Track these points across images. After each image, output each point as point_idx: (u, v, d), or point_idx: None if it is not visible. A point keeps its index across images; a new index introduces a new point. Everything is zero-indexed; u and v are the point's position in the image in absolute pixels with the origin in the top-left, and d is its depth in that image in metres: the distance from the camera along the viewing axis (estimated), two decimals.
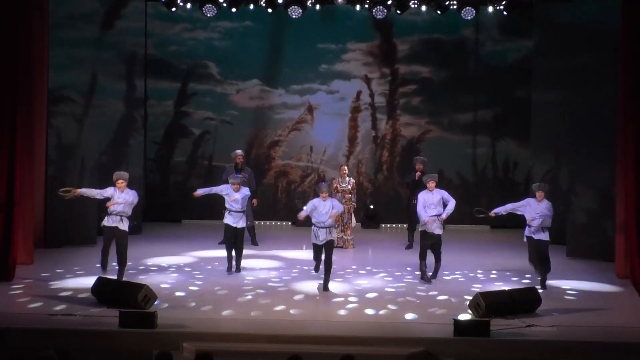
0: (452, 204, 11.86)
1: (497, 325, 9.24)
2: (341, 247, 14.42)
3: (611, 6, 12.64)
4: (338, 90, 17.62)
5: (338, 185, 14.64)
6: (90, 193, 11.34)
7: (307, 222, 11.84)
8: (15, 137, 11.48)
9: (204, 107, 17.63)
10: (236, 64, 17.49)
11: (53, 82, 13.75)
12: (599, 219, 13.68)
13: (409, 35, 17.42)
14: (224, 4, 15.25)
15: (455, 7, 15.15)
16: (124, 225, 11.24)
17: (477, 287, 11.21)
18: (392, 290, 11.26)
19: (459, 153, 17.57)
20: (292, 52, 17.44)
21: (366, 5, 15.41)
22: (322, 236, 11.27)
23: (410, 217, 14.36)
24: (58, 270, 12.03)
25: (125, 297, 9.72)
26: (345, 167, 14.98)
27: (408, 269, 12.57)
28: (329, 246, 11.35)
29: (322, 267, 11.48)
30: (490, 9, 15.33)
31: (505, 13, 15.43)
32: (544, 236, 11.45)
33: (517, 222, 12.68)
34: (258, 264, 12.91)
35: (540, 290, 10.65)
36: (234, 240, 12.19)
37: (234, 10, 15.42)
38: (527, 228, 11.55)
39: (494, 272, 12.54)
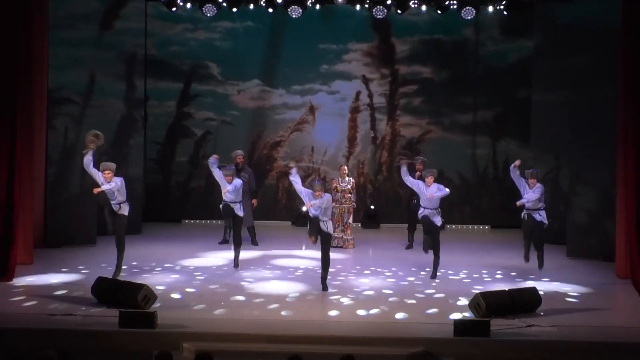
0: (446, 191, 12.03)
1: (497, 325, 9.22)
2: (341, 247, 14.43)
3: (611, 6, 12.63)
4: (339, 90, 17.64)
5: (338, 185, 14.65)
6: (90, 164, 11.33)
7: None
8: (15, 138, 11.48)
9: (205, 107, 17.65)
10: (237, 65, 17.51)
11: (53, 82, 13.75)
12: (599, 219, 13.67)
13: (410, 36, 17.43)
14: (224, 4, 15.26)
15: (455, 7, 15.15)
16: (122, 210, 11.39)
17: (477, 287, 11.20)
18: (392, 290, 11.24)
19: (459, 153, 17.57)
20: (293, 53, 17.45)
21: (366, 5, 15.42)
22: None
23: (410, 217, 14.37)
24: (58, 271, 12.02)
25: (125, 297, 9.72)
26: (345, 167, 14.99)
27: (413, 269, 12.55)
28: (326, 240, 11.21)
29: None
30: (490, 8, 15.34)
31: (505, 13, 15.44)
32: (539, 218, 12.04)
33: (517, 222, 12.69)
34: (258, 264, 12.91)
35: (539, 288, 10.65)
36: (232, 233, 12.30)
37: (234, 10, 15.43)
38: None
39: (494, 272, 12.52)
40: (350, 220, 14.67)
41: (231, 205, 12.36)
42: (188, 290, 11.00)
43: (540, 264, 12.24)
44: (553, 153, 15.50)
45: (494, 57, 17.45)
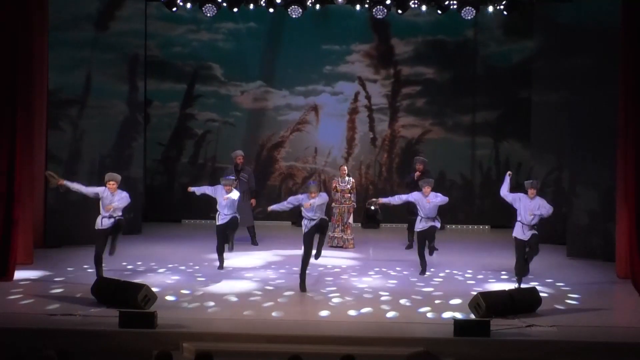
0: (445, 198, 12.09)
1: (497, 325, 9.22)
2: (341, 246, 14.44)
3: (612, 6, 12.63)
4: (342, 91, 17.60)
5: (337, 185, 14.65)
6: (78, 188, 11.25)
7: None
8: (15, 138, 11.48)
9: (208, 108, 17.62)
10: (240, 66, 17.48)
11: (54, 83, 13.74)
12: (599, 219, 13.66)
13: (413, 37, 17.39)
14: (224, 4, 15.25)
15: (455, 6, 15.15)
16: (119, 219, 11.27)
17: (477, 287, 11.20)
18: (392, 290, 11.24)
19: (463, 154, 17.55)
20: (296, 54, 17.39)
21: (366, 5, 15.41)
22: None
23: (410, 217, 14.36)
24: (58, 270, 12.03)
25: (125, 297, 9.72)
26: (345, 167, 14.99)
27: (411, 269, 12.54)
28: (323, 226, 11.18)
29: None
30: (491, 8, 15.33)
31: (505, 13, 15.43)
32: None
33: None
34: (258, 264, 12.91)
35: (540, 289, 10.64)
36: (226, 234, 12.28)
37: (235, 10, 15.42)
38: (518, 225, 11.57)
39: (494, 272, 12.51)
40: (351, 220, 14.66)
41: (223, 226, 12.20)
42: (187, 291, 11.00)
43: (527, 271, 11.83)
44: (553, 153, 15.49)
45: (496, 58, 17.42)
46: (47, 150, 13.72)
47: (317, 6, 15.64)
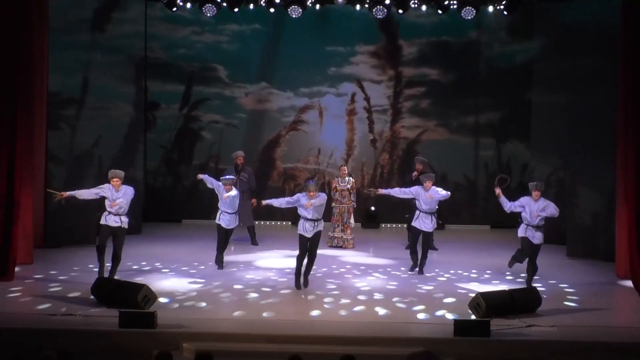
0: (447, 193, 12.08)
1: (497, 325, 9.22)
2: (341, 246, 14.44)
3: (612, 6, 12.63)
4: (347, 92, 17.58)
5: (337, 185, 14.65)
6: (83, 194, 11.23)
7: None
8: (15, 138, 11.48)
9: (212, 110, 17.59)
10: (244, 67, 17.46)
11: (54, 84, 13.72)
12: (599, 219, 13.67)
13: (417, 38, 17.37)
14: (224, 4, 15.24)
15: (455, 6, 15.15)
16: (124, 223, 11.25)
17: (477, 287, 11.20)
18: (392, 290, 11.24)
19: (467, 155, 17.54)
20: (300, 55, 17.34)
21: (366, 5, 15.39)
22: (309, 228, 11.19)
23: (407, 215, 14.36)
24: (58, 270, 12.03)
25: (125, 297, 9.71)
26: (345, 168, 14.99)
27: (410, 271, 12.54)
28: (316, 239, 11.25)
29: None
30: (491, 8, 15.32)
31: (505, 13, 15.43)
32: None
33: (517, 222, 12.67)
34: (258, 264, 12.91)
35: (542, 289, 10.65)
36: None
37: (235, 10, 15.42)
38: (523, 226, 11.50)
39: (494, 272, 12.51)
40: (351, 220, 14.66)
41: (225, 227, 12.31)
42: (187, 291, 11.00)
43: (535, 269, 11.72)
44: (555, 154, 15.48)
45: (500, 59, 17.40)
46: (47, 151, 13.71)
47: (317, 6, 15.63)
